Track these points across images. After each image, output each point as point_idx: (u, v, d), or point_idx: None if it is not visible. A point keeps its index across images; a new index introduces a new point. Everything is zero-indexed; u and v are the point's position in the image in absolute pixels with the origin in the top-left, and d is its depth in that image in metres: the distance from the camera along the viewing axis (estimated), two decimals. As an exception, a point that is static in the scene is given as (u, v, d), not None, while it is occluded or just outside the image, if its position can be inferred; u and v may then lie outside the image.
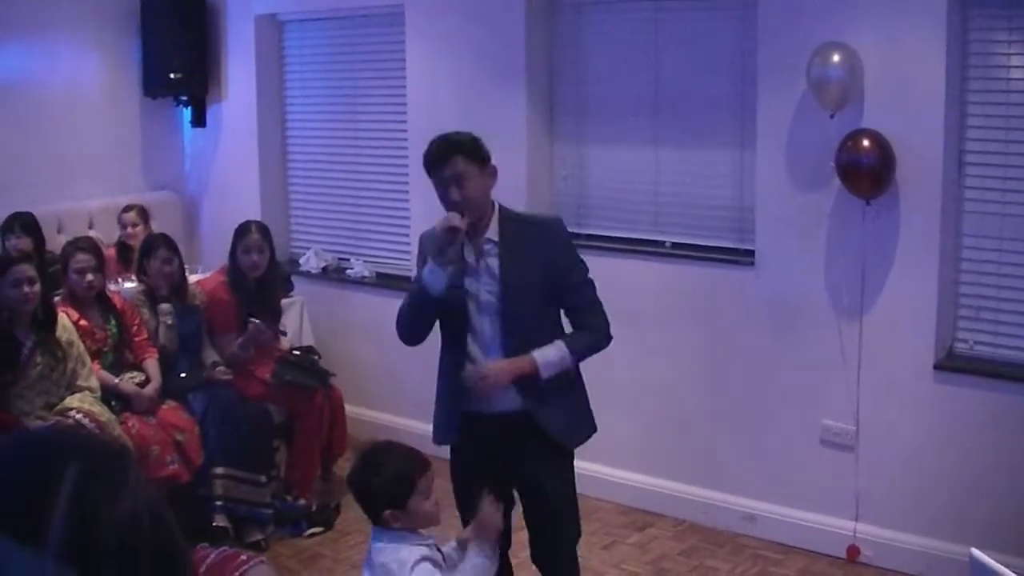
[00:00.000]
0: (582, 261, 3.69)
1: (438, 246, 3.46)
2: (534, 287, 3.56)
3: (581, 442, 3.76)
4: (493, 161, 3.57)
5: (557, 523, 3.71)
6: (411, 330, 3.68)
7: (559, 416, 3.62)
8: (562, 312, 3.71)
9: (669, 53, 5.31)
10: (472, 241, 3.56)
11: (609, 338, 3.70)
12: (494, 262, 3.55)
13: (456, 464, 3.75)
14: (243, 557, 1.67)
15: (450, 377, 3.64)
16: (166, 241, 5.42)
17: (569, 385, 3.69)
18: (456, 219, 3.43)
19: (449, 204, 3.49)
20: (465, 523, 3.64)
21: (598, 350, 3.69)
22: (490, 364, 3.53)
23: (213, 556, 1.63)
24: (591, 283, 3.68)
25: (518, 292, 3.54)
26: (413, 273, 5.97)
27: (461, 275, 3.55)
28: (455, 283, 3.54)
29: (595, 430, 3.80)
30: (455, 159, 3.47)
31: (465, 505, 3.61)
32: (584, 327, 3.66)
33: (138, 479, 1.02)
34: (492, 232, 3.57)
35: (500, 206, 3.62)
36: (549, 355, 3.53)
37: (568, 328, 3.72)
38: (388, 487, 3.05)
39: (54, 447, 1.01)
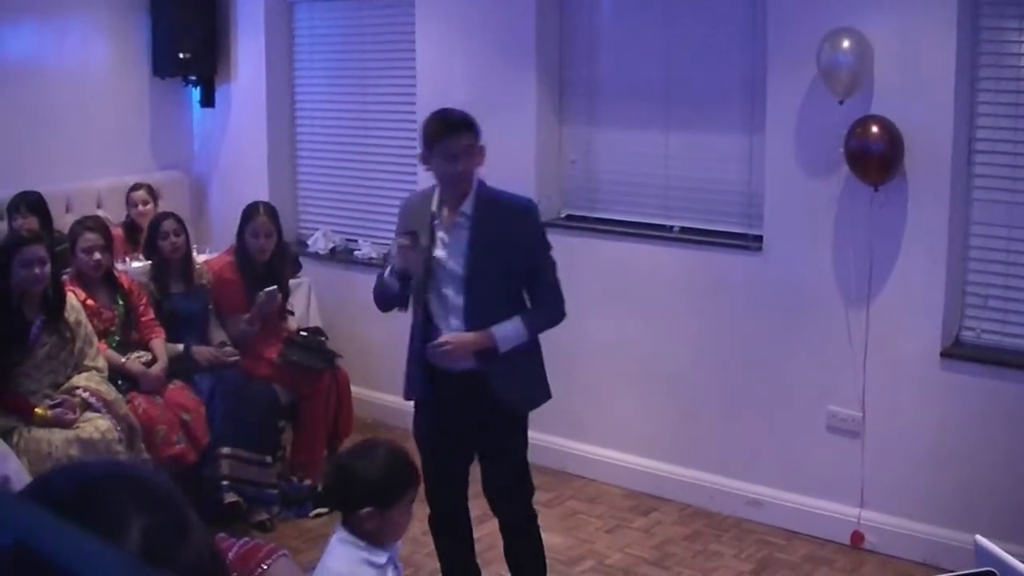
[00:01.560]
0: (548, 244, 3.91)
1: (398, 264, 3.73)
2: (498, 263, 3.78)
3: (531, 408, 4.00)
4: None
5: (510, 481, 4.00)
6: (384, 305, 3.97)
7: (511, 381, 3.85)
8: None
9: (680, 37, 5.29)
10: (450, 213, 3.80)
11: (563, 315, 3.93)
12: (464, 235, 3.78)
13: (421, 417, 4.02)
14: (264, 551, 1.68)
15: (418, 339, 3.88)
16: (176, 216, 5.53)
17: (526, 354, 3.90)
18: (404, 242, 3.70)
19: (453, 174, 3.71)
20: (426, 473, 3.81)
21: (553, 325, 3.94)
22: (452, 335, 3.76)
23: (235, 549, 1.64)
24: (553, 264, 3.92)
25: (482, 265, 3.76)
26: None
27: (430, 247, 3.80)
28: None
29: (549, 397, 4.02)
30: (467, 133, 3.72)
31: (427, 459, 3.90)
32: (542, 304, 3.90)
33: (196, 519, 1.00)
34: (467, 207, 3.78)
35: (480, 183, 3.83)
36: (507, 331, 3.78)
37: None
38: (383, 481, 2.83)
39: (114, 498, 0.96)
